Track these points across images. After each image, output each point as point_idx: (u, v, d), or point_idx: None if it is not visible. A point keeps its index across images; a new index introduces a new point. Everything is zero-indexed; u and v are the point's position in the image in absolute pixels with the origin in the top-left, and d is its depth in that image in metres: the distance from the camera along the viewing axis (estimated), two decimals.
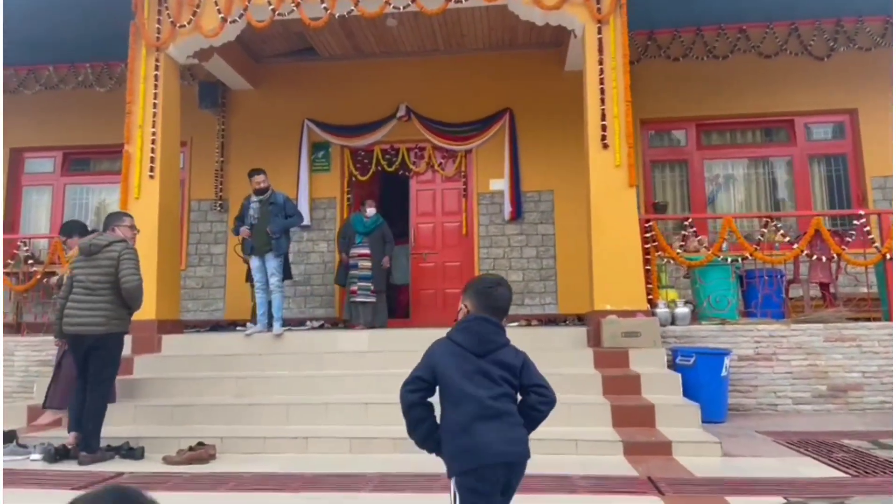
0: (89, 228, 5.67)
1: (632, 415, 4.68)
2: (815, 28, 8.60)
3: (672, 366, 5.63)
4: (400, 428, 2.22)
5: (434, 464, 2.32)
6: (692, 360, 5.48)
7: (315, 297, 8.94)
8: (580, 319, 8.00)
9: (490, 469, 2.01)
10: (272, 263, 6.69)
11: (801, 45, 8.60)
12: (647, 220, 6.41)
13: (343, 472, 3.99)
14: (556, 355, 5.73)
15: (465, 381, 2.07)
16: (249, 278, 7.53)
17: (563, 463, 4.06)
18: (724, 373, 5.48)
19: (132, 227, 5.01)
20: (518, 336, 6.34)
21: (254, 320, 7.11)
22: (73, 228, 5.59)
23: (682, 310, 6.19)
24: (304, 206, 8.88)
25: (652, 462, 4.03)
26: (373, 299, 7.49)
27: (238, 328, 7.33)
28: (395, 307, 10.24)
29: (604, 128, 6.33)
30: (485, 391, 2.06)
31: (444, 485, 2.31)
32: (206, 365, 6.01)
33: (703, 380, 5.40)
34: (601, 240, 6.19)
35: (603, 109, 6.37)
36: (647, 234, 6.34)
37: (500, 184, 8.81)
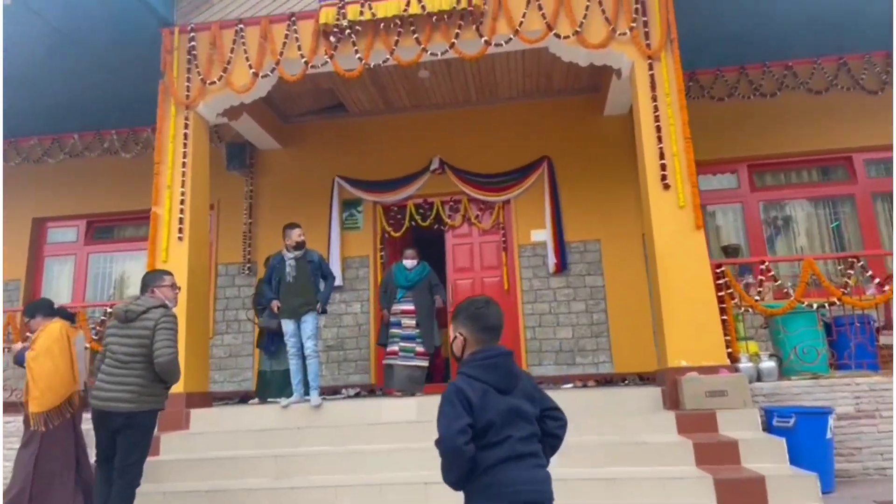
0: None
1: (739, 490, 4.01)
2: (864, 62, 8.22)
3: (766, 428, 4.95)
4: None
5: None
6: (791, 420, 4.81)
7: (349, 363, 8.37)
8: (641, 379, 7.35)
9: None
10: (310, 326, 6.17)
11: (852, 80, 8.21)
12: (719, 266, 5.85)
13: None
14: (632, 421, 5.09)
15: (500, 423, 2.00)
16: (261, 343, 6.99)
17: None
18: (828, 434, 4.80)
19: (173, 286, 4.53)
20: (582, 400, 5.80)
21: (255, 395, 6.75)
22: (37, 308, 5.02)
23: (768, 363, 5.55)
24: (335, 266, 8.44)
25: None
26: (417, 362, 6.75)
27: (270, 400, 6.76)
28: (432, 371, 9.66)
29: (663, 167, 5.87)
30: (517, 432, 2.01)
31: None
32: (240, 442, 5.42)
33: (806, 444, 4.71)
34: (669, 288, 5.63)
35: (661, 148, 5.93)
36: (720, 281, 5.76)
37: (542, 234, 8.33)
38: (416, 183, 8.62)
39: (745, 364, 5.49)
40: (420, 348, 6.72)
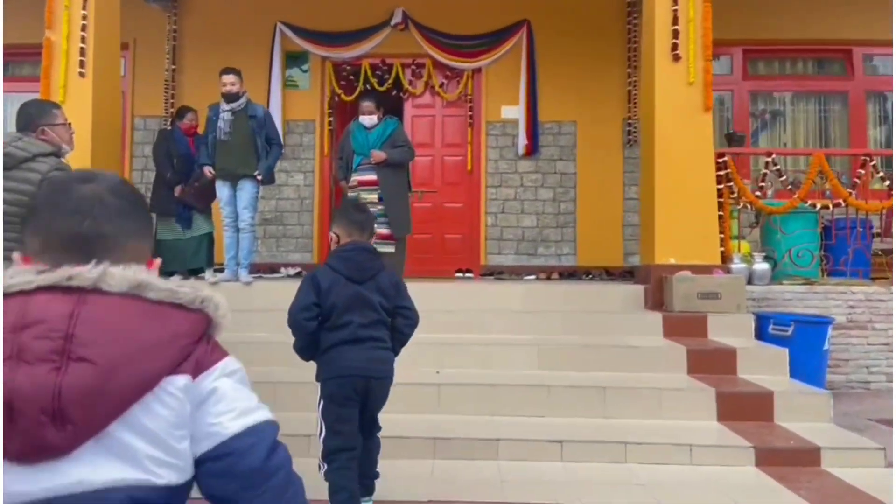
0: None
1: (743, 406, 3.54)
2: None
3: (759, 336, 4.51)
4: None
5: None
6: (790, 329, 4.37)
7: (289, 240, 7.49)
8: (608, 274, 6.84)
9: (348, 380, 2.29)
10: (247, 194, 5.22)
11: None
12: (721, 155, 5.17)
13: None
14: (614, 321, 4.54)
15: (344, 308, 2.29)
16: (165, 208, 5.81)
17: (685, 479, 2.90)
18: (825, 346, 4.41)
19: (66, 124, 3.38)
20: (556, 295, 5.20)
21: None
22: None
23: (762, 265, 5.06)
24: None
25: (808, 480, 2.90)
26: (385, 248, 4.87)
27: (200, 276, 5.86)
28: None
29: (675, 34, 4.99)
30: (359, 318, 2.30)
31: None
32: None
33: (802, 354, 4.29)
34: (666, 175, 4.94)
35: (675, 11, 5.02)
36: (720, 173, 5.11)
37: (514, 111, 7.42)
38: (373, 38, 7.42)
39: (737, 265, 4.97)
40: (384, 230, 4.95)
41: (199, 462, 0.87)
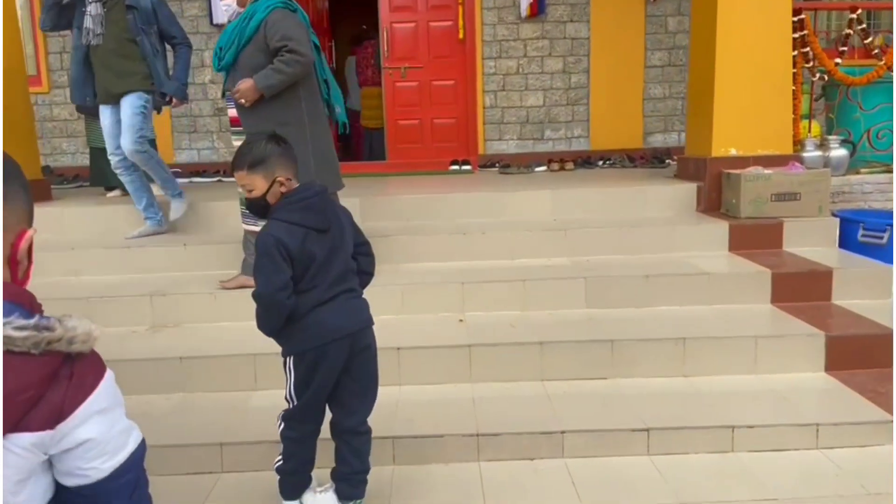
0: None
1: (854, 349, 2.75)
2: None
3: (842, 244, 3.68)
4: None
5: None
6: (885, 236, 3.54)
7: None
8: (629, 159, 5.87)
9: (332, 346, 1.83)
10: (127, 112, 3.59)
11: None
12: (798, 11, 4.04)
13: None
14: (666, 233, 3.63)
15: (319, 267, 1.82)
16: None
17: (816, 470, 2.15)
18: None
19: None
20: (590, 200, 4.25)
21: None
22: None
23: (839, 152, 4.14)
24: None
25: None
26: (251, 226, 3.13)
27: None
28: (360, 144, 7.79)
29: None
30: (331, 272, 1.85)
31: None
32: (101, 263, 3.57)
33: None
34: (728, 41, 3.85)
35: None
36: (795, 35, 4.03)
37: None
38: None
39: (811, 153, 4.04)
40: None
41: (63, 488, 0.85)
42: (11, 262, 0.85)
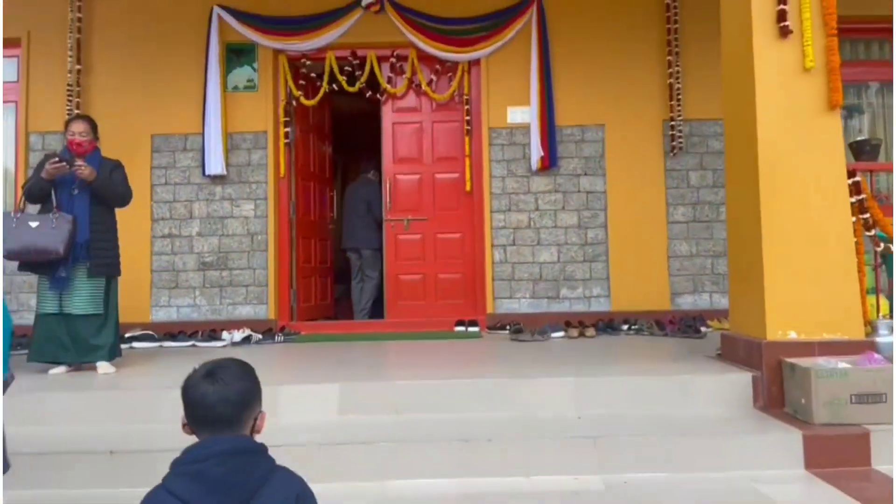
0: None
1: None
2: None
3: None
4: None
5: None
6: None
7: (237, 290, 5.74)
8: (659, 326, 5.20)
9: None
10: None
11: None
12: (852, 173, 3.54)
13: None
14: (717, 443, 2.87)
15: None
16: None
17: None
18: None
19: None
20: (620, 391, 3.16)
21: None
22: None
23: None
24: (216, 146, 5.60)
25: None
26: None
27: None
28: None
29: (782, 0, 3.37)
30: None
31: None
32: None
33: None
34: (778, 206, 3.32)
35: None
36: (852, 200, 3.50)
37: (524, 114, 5.77)
38: (340, 23, 5.73)
39: (886, 337, 3.35)
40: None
41: None
42: None
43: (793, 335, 3.27)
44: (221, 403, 1.36)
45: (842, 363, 3.00)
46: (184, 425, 1.41)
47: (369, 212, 6.43)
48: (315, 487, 1.43)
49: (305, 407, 3.24)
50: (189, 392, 1.39)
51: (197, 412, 1.38)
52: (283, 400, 3.24)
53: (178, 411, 1.43)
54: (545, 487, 2.68)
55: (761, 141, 3.37)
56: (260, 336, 5.14)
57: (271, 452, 1.40)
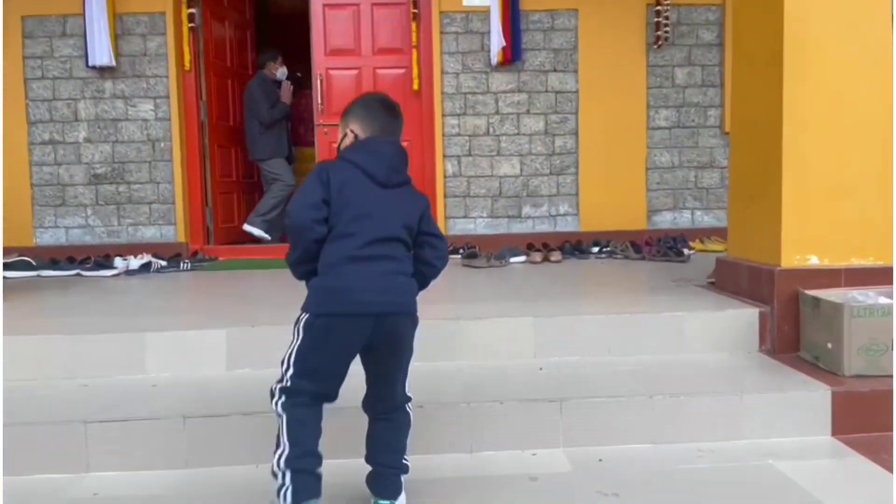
0: None
1: None
2: None
3: None
4: None
5: None
6: None
7: (137, 207, 4.81)
8: (634, 247, 4.49)
9: (348, 320, 1.53)
10: None
11: None
12: None
13: None
14: (717, 402, 2.19)
15: (357, 214, 1.53)
16: None
17: None
18: None
19: None
20: (594, 329, 2.41)
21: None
22: None
23: None
24: (100, 30, 4.52)
25: None
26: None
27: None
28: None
29: None
30: (374, 229, 1.53)
31: None
32: None
33: None
34: (807, 101, 2.53)
35: None
36: None
37: None
38: None
39: None
40: None
41: None
42: None
43: (814, 260, 2.55)
44: (399, 111, 1.70)
45: (882, 297, 2.30)
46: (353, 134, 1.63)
47: (252, 115, 5.23)
48: None
49: (181, 361, 2.45)
50: (371, 100, 1.68)
51: (390, 116, 1.66)
52: (150, 352, 2.43)
53: None
54: (492, 468, 1.97)
55: (788, 15, 2.52)
56: (163, 263, 4.26)
57: None
